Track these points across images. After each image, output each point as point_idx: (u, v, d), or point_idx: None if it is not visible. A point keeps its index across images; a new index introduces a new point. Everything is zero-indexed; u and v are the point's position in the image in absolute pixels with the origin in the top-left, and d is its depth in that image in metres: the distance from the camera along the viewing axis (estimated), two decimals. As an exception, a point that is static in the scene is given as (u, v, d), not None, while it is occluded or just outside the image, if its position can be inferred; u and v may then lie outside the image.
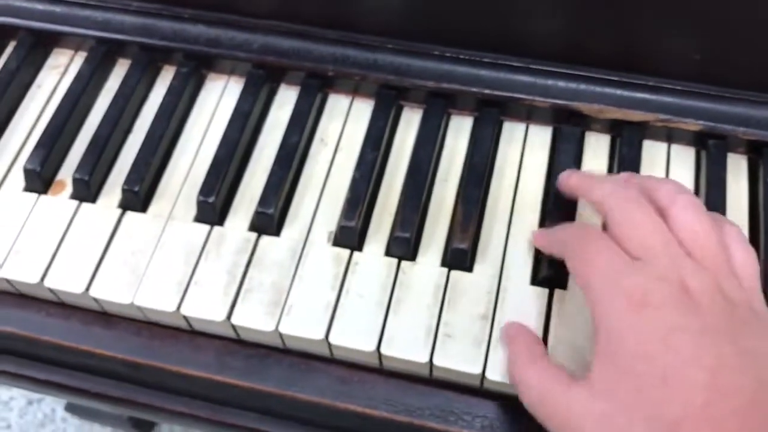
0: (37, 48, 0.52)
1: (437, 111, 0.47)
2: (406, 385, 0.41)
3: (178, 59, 0.50)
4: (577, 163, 0.46)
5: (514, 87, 0.47)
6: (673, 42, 0.44)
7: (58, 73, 0.52)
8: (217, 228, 0.44)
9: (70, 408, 1.03)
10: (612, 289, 0.33)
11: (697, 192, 0.45)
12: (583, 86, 0.46)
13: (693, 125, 0.45)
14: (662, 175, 0.46)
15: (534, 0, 0.44)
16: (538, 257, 0.43)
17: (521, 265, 0.42)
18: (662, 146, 0.47)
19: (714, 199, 0.44)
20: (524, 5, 0.44)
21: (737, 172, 0.46)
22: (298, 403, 0.42)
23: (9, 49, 0.52)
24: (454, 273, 0.42)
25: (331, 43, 0.49)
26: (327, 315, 0.41)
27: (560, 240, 0.39)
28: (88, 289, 0.42)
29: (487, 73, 0.47)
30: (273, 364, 0.42)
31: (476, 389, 0.40)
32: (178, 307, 0.42)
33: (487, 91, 0.47)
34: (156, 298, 0.42)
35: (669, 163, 0.47)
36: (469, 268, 0.42)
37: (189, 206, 0.45)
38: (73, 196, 0.46)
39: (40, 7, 0.51)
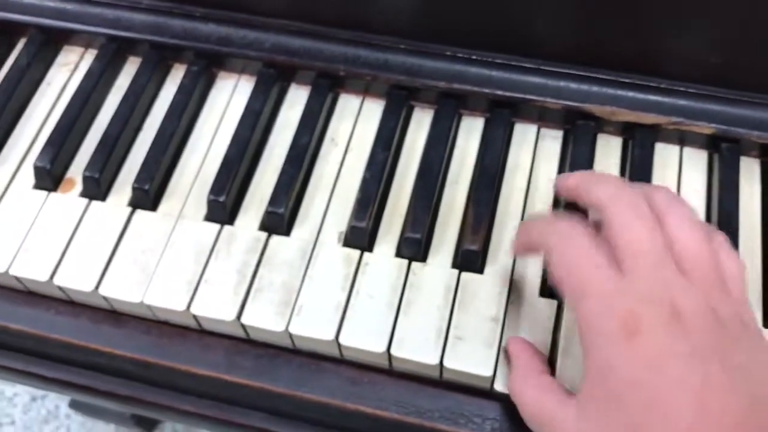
0: (47, 45, 0.52)
1: (448, 112, 0.47)
2: (417, 386, 0.41)
3: (188, 57, 0.50)
4: (589, 165, 0.45)
5: (526, 88, 0.46)
6: (687, 44, 0.44)
7: (68, 71, 0.52)
8: (227, 227, 0.44)
9: (74, 405, 1.03)
10: (603, 313, 0.32)
11: (709, 195, 0.45)
12: (595, 88, 0.46)
13: (706, 128, 0.45)
14: (674, 178, 0.46)
15: (546, 1, 0.44)
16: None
17: (533, 263, 0.42)
18: (674, 149, 0.47)
19: (726, 202, 0.43)
20: (537, 6, 0.44)
21: (750, 175, 0.46)
22: (307, 403, 0.41)
23: (19, 46, 0.53)
24: (465, 275, 0.42)
25: (342, 43, 0.48)
26: (337, 316, 0.41)
27: (540, 233, 0.37)
28: (97, 287, 0.42)
29: (499, 74, 0.47)
30: (282, 365, 0.42)
31: (487, 391, 0.40)
32: (188, 306, 0.41)
33: (498, 92, 0.46)
34: (166, 296, 0.42)
35: (681, 166, 0.46)
36: (479, 270, 0.42)
37: (199, 205, 0.45)
38: (83, 194, 0.46)
39: (50, 4, 0.51)
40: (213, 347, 0.43)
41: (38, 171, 0.46)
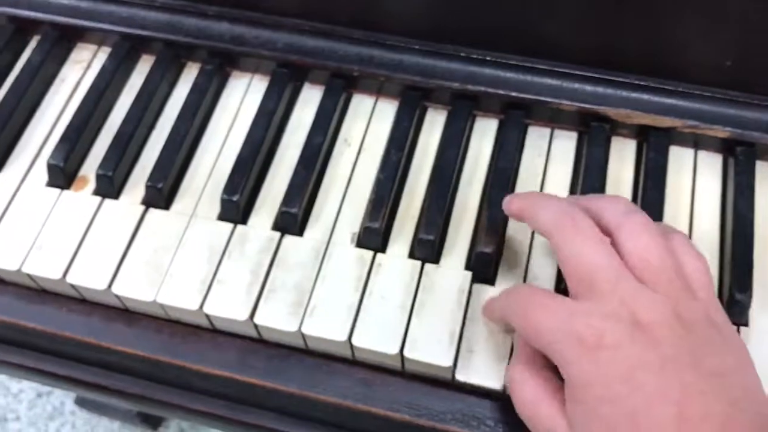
0: (60, 42, 0.52)
1: (463, 113, 0.47)
2: (429, 388, 0.41)
3: (202, 56, 0.50)
4: (603, 168, 0.45)
5: (541, 90, 0.46)
6: (703, 47, 0.44)
7: (81, 68, 0.52)
8: (240, 227, 0.44)
9: (80, 401, 1.03)
10: (564, 338, 0.33)
11: (724, 200, 0.45)
12: (610, 90, 0.46)
13: (721, 132, 0.45)
14: (689, 182, 0.46)
15: (562, 2, 0.44)
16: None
17: (546, 265, 0.42)
18: (689, 152, 0.47)
19: (741, 206, 0.43)
20: (552, 8, 0.44)
21: (766, 180, 0.45)
22: (319, 404, 0.41)
23: (33, 43, 0.53)
24: (476, 285, 0.42)
25: (356, 43, 0.48)
26: (350, 316, 0.41)
27: (501, 307, 0.38)
28: (110, 285, 0.42)
29: (514, 76, 0.47)
30: (295, 365, 0.42)
31: (499, 394, 0.40)
32: (201, 306, 0.41)
33: (513, 94, 0.46)
34: (179, 296, 0.42)
35: (696, 170, 0.46)
36: (493, 273, 0.42)
37: (212, 204, 0.45)
38: (96, 192, 0.46)
39: (64, 1, 0.51)
40: (225, 347, 0.43)
41: (51, 169, 0.46)
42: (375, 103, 0.49)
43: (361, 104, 0.49)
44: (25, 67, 0.50)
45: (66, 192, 0.46)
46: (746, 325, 0.41)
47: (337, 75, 0.49)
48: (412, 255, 0.43)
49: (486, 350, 0.40)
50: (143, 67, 0.51)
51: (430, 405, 0.41)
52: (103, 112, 0.49)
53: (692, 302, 0.34)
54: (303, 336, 0.41)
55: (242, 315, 0.41)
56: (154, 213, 0.45)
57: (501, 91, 0.46)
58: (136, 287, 0.42)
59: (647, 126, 0.46)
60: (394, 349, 0.40)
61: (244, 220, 0.45)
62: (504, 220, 0.43)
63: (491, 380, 0.39)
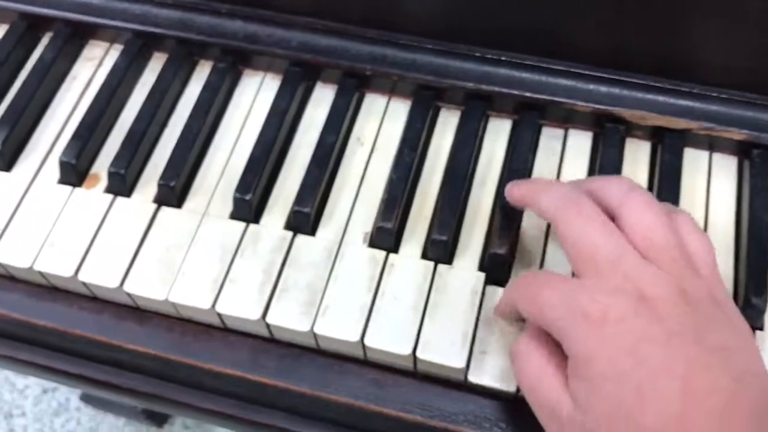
0: (73, 39, 0.52)
1: (476, 113, 0.47)
2: (441, 389, 0.41)
3: (215, 54, 0.50)
4: (617, 169, 0.45)
5: (556, 90, 0.46)
6: (720, 49, 0.43)
7: (93, 65, 0.52)
8: (252, 226, 0.44)
9: (85, 398, 1.03)
10: (569, 314, 0.33)
11: (739, 202, 0.45)
12: (625, 92, 0.45)
13: (737, 134, 0.45)
14: (703, 184, 0.45)
15: (578, 3, 0.43)
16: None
17: (560, 266, 0.42)
18: (704, 155, 0.46)
19: (757, 209, 0.43)
20: (567, 8, 0.44)
21: (781, 183, 0.45)
22: (330, 404, 0.41)
23: (45, 40, 0.52)
24: (489, 287, 0.41)
25: (369, 42, 0.48)
26: (362, 317, 0.40)
27: (508, 296, 0.38)
28: (122, 284, 0.42)
29: (528, 76, 0.46)
30: (307, 364, 0.42)
31: (512, 396, 0.40)
32: (213, 305, 0.41)
33: (527, 94, 0.46)
34: (191, 294, 0.42)
35: (711, 172, 0.46)
36: (505, 274, 0.42)
37: (225, 203, 0.45)
38: (108, 190, 0.46)
39: (77, -2, 0.51)
40: (236, 346, 0.43)
41: (63, 166, 0.46)
42: (388, 103, 0.49)
43: (373, 104, 0.49)
44: (37, 64, 0.50)
45: (78, 189, 0.46)
46: (761, 329, 0.40)
47: (349, 74, 0.49)
48: (425, 255, 0.43)
49: (499, 352, 0.40)
50: (155, 65, 0.51)
51: (442, 406, 0.40)
52: (115, 109, 0.49)
53: (696, 280, 0.33)
54: (315, 336, 0.41)
55: (254, 314, 0.41)
56: (167, 211, 0.45)
57: (515, 92, 0.46)
58: (148, 285, 0.42)
59: (662, 128, 0.45)
60: (406, 350, 0.39)
61: (256, 219, 0.44)
62: (517, 221, 0.43)
63: (504, 382, 0.39)
